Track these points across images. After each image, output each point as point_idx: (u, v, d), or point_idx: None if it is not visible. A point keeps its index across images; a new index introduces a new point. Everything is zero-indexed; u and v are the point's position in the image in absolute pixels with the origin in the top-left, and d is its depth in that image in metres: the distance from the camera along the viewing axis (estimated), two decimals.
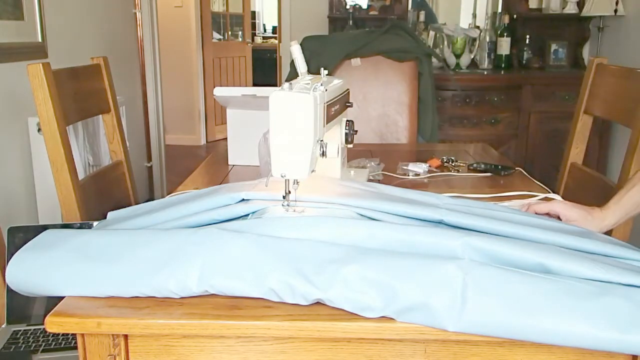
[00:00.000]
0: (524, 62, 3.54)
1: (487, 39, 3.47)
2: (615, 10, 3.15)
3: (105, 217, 1.13)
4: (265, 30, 9.08)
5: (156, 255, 0.82)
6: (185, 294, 0.80)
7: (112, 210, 1.15)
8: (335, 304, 0.76)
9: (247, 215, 0.98)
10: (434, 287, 0.74)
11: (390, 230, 0.87)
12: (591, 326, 0.70)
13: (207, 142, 5.70)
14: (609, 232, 1.09)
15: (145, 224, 1.00)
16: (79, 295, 0.82)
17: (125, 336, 0.80)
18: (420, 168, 1.54)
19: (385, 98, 2.32)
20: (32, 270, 0.84)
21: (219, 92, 1.55)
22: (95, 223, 1.18)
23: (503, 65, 3.46)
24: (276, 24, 4.99)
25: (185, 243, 0.83)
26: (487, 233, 0.92)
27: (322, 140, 1.02)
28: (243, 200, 1.02)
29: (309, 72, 1.27)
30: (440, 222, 0.96)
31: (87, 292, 0.81)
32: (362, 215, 0.96)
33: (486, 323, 0.72)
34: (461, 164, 1.62)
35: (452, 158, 1.65)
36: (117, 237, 0.88)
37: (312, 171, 0.99)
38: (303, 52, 1.27)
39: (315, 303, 0.78)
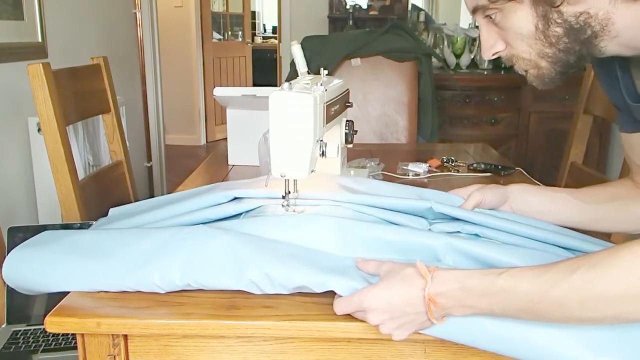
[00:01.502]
0: None
1: None
2: None
3: (105, 217, 1.13)
4: (265, 30, 9.08)
5: (143, 251, 0.84)
6: (170, 288, 0.81)
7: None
8: (315, 289, 0.76)
9: (241, 214, 0.99)
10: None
11: (374, 231, 0.87)
12: (567, 348, 0.68)
13: (207, 142, 5.70)
14: (607, 237, 1.09)
15: (140, 223, 1.01)
16: (68, 291, 0.83)
17: (125, 336, 0.80)
18: (420, 168, 1.54)
19: (385, 98, 2.32)
20: (26, 267, 0.86)
21: (219, 92, 1.55)
22: (94, 223, 1.18)
23: (503, 65, 3.45)
24: (276, 24, 4.98)
25: (171, 239, 0.85)
26: (474, 223, 0.94)
27: (322, 140, 1.02)
28: (236, 198, 1.02)
29: (309, 72, 1.27)
30: (430, 209, 0.97)
31: (77, 287, 0.82)
32: (359, 212, 0.97)
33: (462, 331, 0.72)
34: (461, 164, 1.62)
35: (452, 158, 1.65)
36: (108, 235, 0.90)
37: (312, 171, 0.99)
38: (303, 52, 1.27)
39: (315, 303, 0.78)
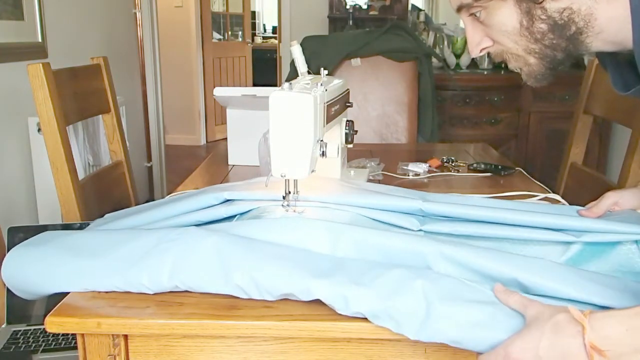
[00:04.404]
0: None
1: None
2: None
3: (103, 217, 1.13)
4: (265, 30, 9.08)
5: (133, 251, 0.83)
6: (158, 289, 0.81)
7: (112, 210, 1.16)
8: (301, 297, 0.76)
9: (234, 216, 0.98)
10: (396, 295, 0.73)
11: (366, 234, 0.87)
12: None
13: (207, 142, 5.70)
14: None
15: (134, 224, 1.01)
16: (57, 291, 0.83)
17: (125, 336, 0.80)
18: (420, 168, 1.54)
19: (385, 98, 2.32)
20: (19, 268, 0.86)
21: (219, 92, 1.55)
22: (91, 224, 1.18)
23: (503, 65, 3.45)
24: (276, 24, 4.99)
25: (161, 240, 0.85)
26: (465, 220, 0.94)
27: (322, 140, 1.02)
28: (227, 200, 1.02)
29: (309, 72, 1.27)
30: (420, 211, 0.97)
31: (66, 287, 0.82)
32: (359, 213, 0.97)
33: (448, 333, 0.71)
34: (461, 164, 1.62)
35: (452, 158, 1.65)
36: (99, 236, 0.90)
37: (312, 171, 0.99)
38: (303, 52, 1.27)
39: (316, 303, 0.78)
